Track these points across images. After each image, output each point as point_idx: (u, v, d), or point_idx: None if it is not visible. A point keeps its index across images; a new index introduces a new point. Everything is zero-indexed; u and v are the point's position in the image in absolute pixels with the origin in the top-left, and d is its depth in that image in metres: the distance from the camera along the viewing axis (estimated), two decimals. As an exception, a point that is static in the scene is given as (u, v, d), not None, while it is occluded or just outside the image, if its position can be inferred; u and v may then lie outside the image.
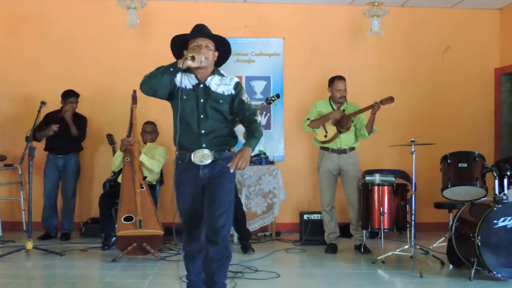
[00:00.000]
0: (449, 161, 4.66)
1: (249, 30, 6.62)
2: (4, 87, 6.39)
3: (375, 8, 6.32)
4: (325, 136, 5.35)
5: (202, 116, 3.14)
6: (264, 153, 6.23)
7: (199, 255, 3.27)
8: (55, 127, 5.68)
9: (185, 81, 3.18)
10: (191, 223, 3.26)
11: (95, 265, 4.78)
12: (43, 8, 6.48)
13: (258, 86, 6.64)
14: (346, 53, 6.68)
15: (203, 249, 3.21)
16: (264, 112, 6.54)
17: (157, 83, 3.06)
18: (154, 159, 5.55)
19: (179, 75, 3.13)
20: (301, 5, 6.61)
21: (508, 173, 4.34)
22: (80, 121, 6.03)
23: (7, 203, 6.48)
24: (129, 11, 6.10)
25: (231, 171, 2.96)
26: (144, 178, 5.29)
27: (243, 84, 6.32)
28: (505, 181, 4.34)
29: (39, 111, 5.38)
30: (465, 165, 4.58)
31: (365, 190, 5.24)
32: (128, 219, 4.87)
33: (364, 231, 5.40)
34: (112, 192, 5.51)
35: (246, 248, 5.26)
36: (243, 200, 5.79)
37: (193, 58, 3.04)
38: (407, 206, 5.29)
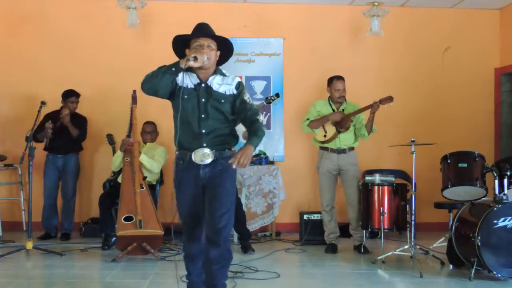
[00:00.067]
0: (449, 161, 4.66)
1: (249, 30, 6.62)
2: (4, 87, 6.39)
3: (375, 8, 6.32)
4: (325, 136, 5.35)
5: (203, 115, 3.13)
6: (264, 153, 6.23)
7: (200, 256, 3.25)
8: (49, 125, 5.66)
9: (186, 80, 3.17)
10: (191, 223, 3.24)
11: (95, 265, 4.78)
12: (43, 8, 6.48)
13: (258, 86, 6.64)
14: (346, 53, 6.68)
15: (204, 251, 3.18)
16: (264, 112, 6.54)
17: (159, 82, 3.05)
18: (154, 159, 5.55)
19: (180, 74, 3.13)
20: (301, 5, 6.61)
21: (508, 173, 4.34)
22: (80, 121, 6.02)
23: (7, 203, 6.47)
24: (129, 11, 6.10)
25: (233, 167, 2.93)
26: (144, 178, 5.29)
27: (243, 84, 6.33)
28: (505, 181, 4.34)
29: (39, 111, 5.39)
30: (465, 165, 4.58)
31: (365, 190, 5.24)
32: (128, 219, 4.87)
33: (364, 231, 5.40)
34: (112, 192, 5.51)
35: (246, 248, 5.26)
36: (243, 200, 5.79)
37: (195, 59, 3.02)
38: (407, 206, 5.29)
